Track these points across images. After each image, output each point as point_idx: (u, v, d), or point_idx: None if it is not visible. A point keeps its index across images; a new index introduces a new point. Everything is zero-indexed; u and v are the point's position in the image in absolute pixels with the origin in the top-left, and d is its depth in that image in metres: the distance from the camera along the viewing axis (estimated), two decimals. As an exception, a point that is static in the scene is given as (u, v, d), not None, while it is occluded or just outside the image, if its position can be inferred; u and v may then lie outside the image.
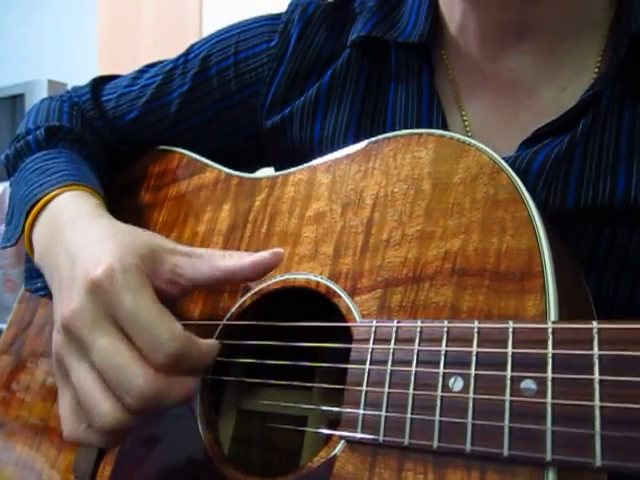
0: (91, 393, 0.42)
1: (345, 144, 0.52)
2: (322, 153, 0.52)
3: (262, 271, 0.46)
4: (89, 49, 2.06)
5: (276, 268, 0.49)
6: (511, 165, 0.48)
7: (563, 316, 0.35)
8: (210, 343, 0.44)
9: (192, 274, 0.46)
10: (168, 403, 0.42)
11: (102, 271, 0.43)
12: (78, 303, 0.43)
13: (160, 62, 0.71)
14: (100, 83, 0.73)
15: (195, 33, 1.74)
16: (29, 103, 1.95)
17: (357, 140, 0.51)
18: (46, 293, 0.62)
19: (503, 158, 0.42)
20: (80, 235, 0.49)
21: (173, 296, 0.46)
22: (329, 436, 0.41)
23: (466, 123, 0.55)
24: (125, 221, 0.51)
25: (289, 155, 0.62)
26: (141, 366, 0.41)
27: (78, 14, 2.32)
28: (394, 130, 0.51)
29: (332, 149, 0.52)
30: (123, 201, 0.66)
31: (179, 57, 0.69)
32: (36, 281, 0.63)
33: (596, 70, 0.51)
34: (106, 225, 0.50)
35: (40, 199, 0.55)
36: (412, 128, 0.54)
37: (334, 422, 0.42)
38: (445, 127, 0.54)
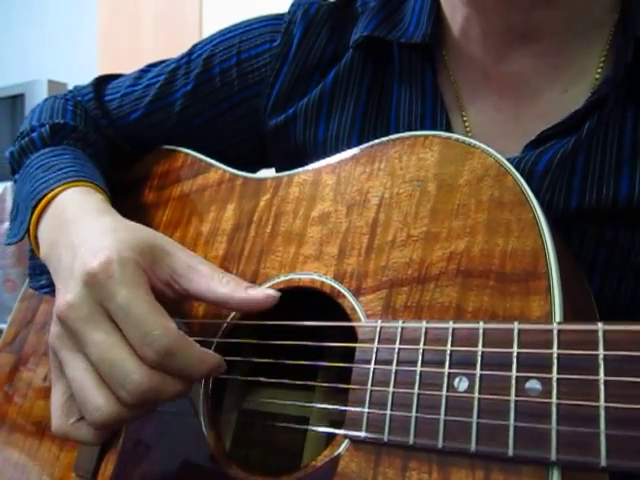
0: (86, 387, 0.42)
1: (349, 145, 0.52)
2: (326, 154, 0.53)
3: (253, 310, 0.46)
4: (89, 49, 2.06)
5: (281, 268, 0.49)
6: (516, 166, 0.49)
7: (567, 317, 0.36)
8: (206, 351, 0.44)
9: (188, 286, 0.46)
10: (163, 399, 0.42)
11: (99, 263, 0.43)
12: (74, 295, 0.43)
13: (162, 62, 0.71)
14: (103, 82, 0.73)
15: (195, 33, 1.74)
16: (29, 103, 1.94)
17: (361, 141, 0.51)
18: (50, 290, 0.62)
19: (508, 159, 0.42)
20: (83, 230, 0.49)
21: (169, 299, 0.46)
22: (332, 436, 0.41)
23: (466, 124, 0.55)
24: (129, 220, 0.51)
25: (292, 156, 0.62)
26: (136, 360, 0.41)
27: (78, 14, 2.32)
28: (398, 130, 0.51)
29: (336, 150, 0.52)
30: (127, 200, 0.66)
31: (182, 57, 0.69)
32: (40, 278, 0.63)
33: (599, 71, 0.51)
34: (110, 220, 0.50)
35: (45, 195, 0.55)
36: (416, 128, 0.55)
37: (336, 422, 0.42)
38: (449, 128, 0.55)
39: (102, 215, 0.52)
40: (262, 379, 0.49)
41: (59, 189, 0.56)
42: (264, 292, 0.46)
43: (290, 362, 0.46)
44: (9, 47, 2.61)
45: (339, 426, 0.40)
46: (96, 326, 0.42)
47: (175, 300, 0.48)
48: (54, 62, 2.37)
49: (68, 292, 0.44)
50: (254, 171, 0.61)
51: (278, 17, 0.65)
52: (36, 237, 0.56)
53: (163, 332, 0.41)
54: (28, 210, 0.57)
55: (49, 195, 0.55)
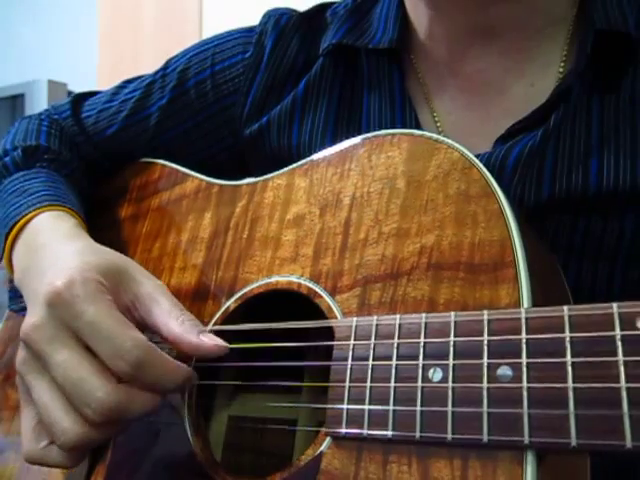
0: (51, 409, 0.42)
1: (323, 149, 0.53)
2: (300, 159, 0.53)
3: (200, 356, 0.46)
4: (89, 49, 2.05)
5: (259, 272, 0.49)
6: (486, 161, 0.49)
7: (538, 304, 0.36)
8: (178, 362, 0.43)
9: (146, 316, 0.46)
10: (130, 415, 0.42)
11: (62, 283, 0.43)
12: (38, 317, 0.43)
13: (139, 77, 0.72)
14: (80, 100, 0.73)
15: (195, 33, 1.74)
16: (29, 103, 1.92)
17: (334, 145, 0.51)
18: None
19: (478, 155, 0.43)
20: (52, 255, 0.50)
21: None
22: (317, 434, 0.42)
23: (438, 124, 0.56)
24: (109, 234, 0.52)
25: (269, 163, 0.63)
26: (101, 378, 0.41)
27: (78, 14, 2.32)
28: None
29: (310, 154, 0.53)
30: (106, 214, 0.67)
31: (157, 71, 0.70)
32: (20, 300, 0.63)
33: (562, 65, 0.53)
34: (79, 244, 0.50)
35: (18, 221, 0.56)
36: None
37: (323, 421, 0.43)
38: (418, 128, 0.55)
39: (73, 240, 0.52)
40: (248, 383, 0.49)
41: (32, 214, 0.56)
42: (214, 342, 0.45)
43: (269, 364, 0.46)
44: (9, 47, 2.60)
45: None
46: (61, 346, 0.42)
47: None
48: (54, 62, 2.36)
49: (33, 314, 0.44)
50: (237, 180, 0.61)
51: (250, 29, 0.67)
52: (11, 262, 0.57)
53: (134, 344, 0.41)
54: (2, 236, 0.57)
55: (21, 221, 0.56)
